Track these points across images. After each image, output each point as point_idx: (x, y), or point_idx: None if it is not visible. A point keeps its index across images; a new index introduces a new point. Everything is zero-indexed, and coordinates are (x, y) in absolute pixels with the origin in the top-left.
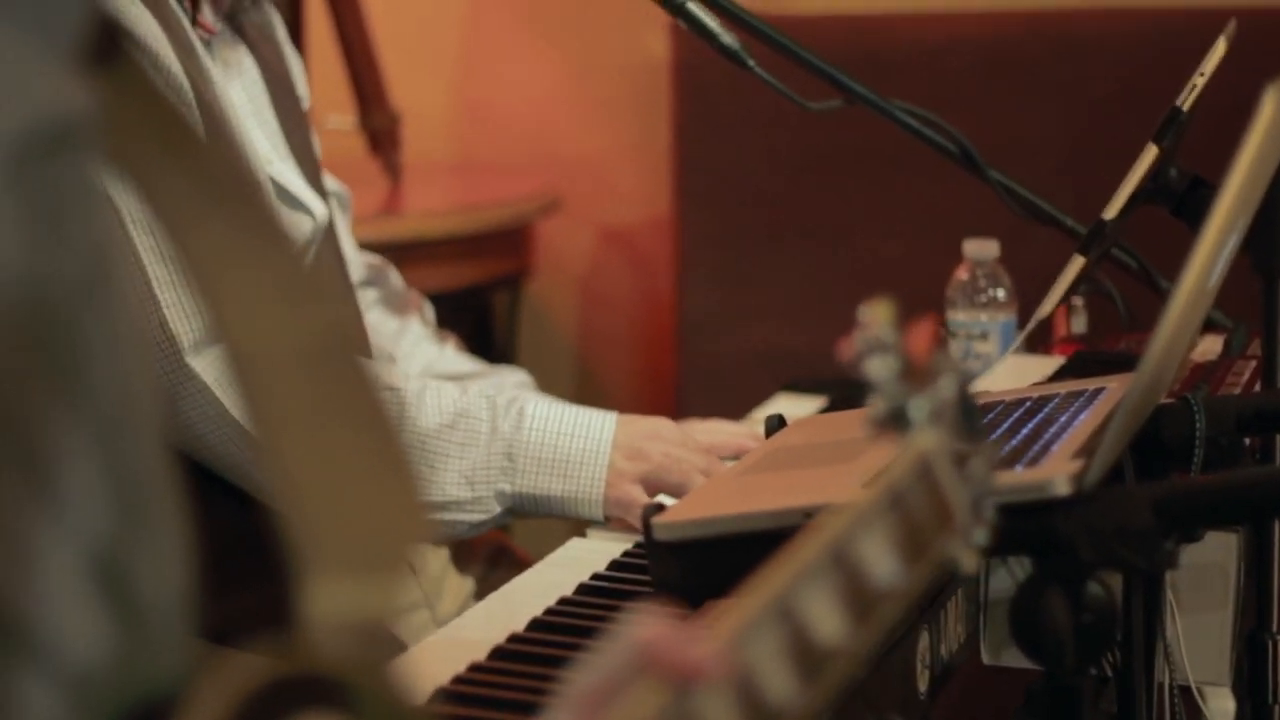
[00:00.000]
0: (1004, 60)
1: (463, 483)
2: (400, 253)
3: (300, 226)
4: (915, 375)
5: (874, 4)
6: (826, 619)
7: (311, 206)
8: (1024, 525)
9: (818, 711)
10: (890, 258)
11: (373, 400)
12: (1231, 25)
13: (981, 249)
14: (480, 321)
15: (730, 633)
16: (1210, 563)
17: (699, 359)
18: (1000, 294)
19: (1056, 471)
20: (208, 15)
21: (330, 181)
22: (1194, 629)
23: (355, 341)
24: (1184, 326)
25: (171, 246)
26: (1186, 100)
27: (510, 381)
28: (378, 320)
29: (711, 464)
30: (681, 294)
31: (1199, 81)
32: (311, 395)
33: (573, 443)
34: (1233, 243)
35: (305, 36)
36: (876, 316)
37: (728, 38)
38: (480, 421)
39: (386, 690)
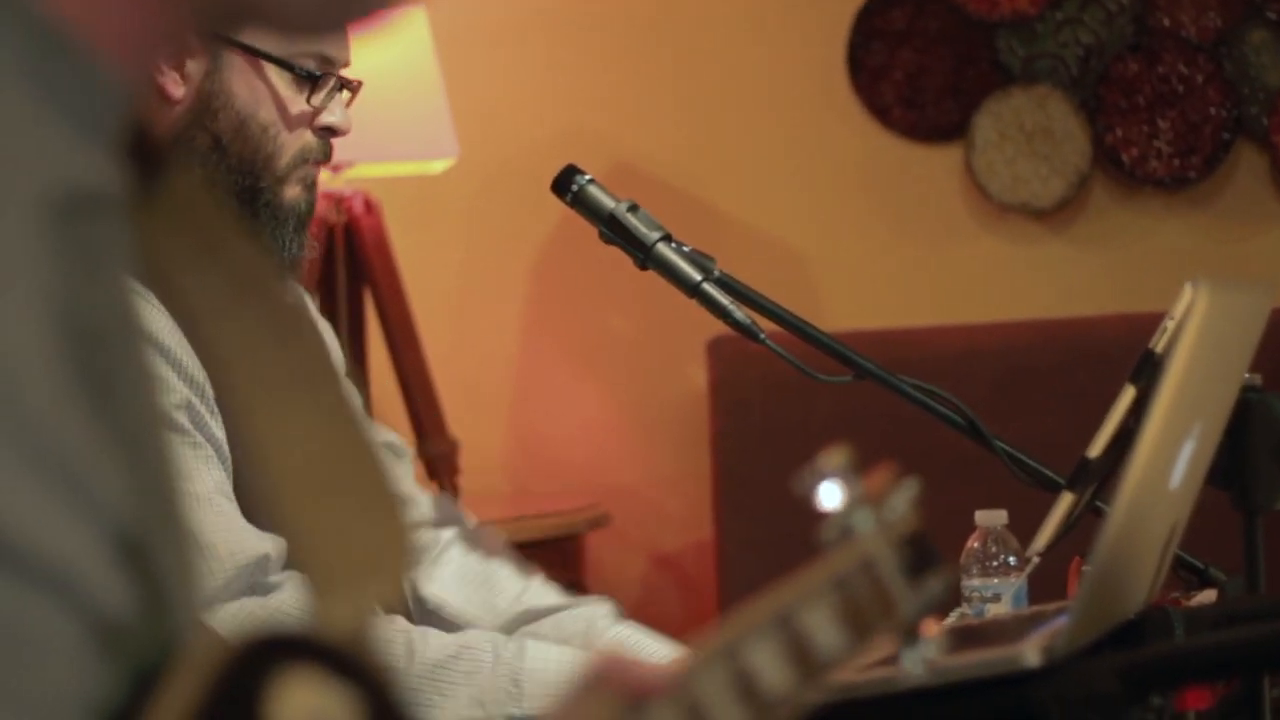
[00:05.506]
0: (1019, 367)
1: (474, 704)
2: None
3: None
4: (867, 500)
5: (896, 319)
6: (773, 670)
7: None
8: (1001, 699)
9: None
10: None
11: (367, 451)
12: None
13: (991, 518)
14: None
15: (682, 665)
16: None
17: None
18: (1011, 559)
19: (1028, 645)
20: None
21: (386, 434)
22: None
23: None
24: (1146, 512)
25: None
26: (1159, 343)
27: (599, 611)
28: (459, 555)
29: None
30: (723, 612)
31: (1169, 325)
32: (320, 456)
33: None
34: (1191, 447)
35: (366, 372)
36: (832, 458)
37: (739, 314)
38: (484, 652)
39: (364, 650)
